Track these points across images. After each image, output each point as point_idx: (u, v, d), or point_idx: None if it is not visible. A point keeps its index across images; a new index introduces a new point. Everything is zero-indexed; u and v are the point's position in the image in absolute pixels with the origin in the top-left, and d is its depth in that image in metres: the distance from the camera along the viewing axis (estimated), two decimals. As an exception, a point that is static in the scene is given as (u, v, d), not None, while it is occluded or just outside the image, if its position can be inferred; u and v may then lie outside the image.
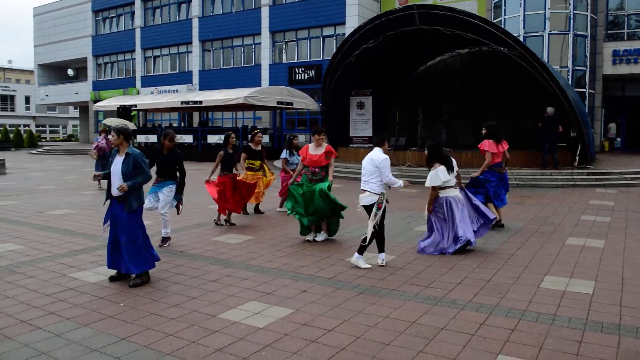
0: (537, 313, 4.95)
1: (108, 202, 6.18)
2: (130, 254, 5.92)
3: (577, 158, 16.69)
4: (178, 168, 7.88)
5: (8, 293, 5.72)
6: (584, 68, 25.06)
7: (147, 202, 7.58)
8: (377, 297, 5.46)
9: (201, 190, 14.90)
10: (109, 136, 15.13)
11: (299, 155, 8.80)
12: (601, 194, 13.37)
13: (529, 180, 15.34)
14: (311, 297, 5.48)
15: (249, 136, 11.51)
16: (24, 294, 5.70)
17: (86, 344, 4.37)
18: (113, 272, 6.22)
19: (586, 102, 24.55)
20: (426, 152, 7.51)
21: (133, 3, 41.38)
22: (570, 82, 23.64)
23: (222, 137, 29.27)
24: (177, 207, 8.04)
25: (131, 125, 16.99)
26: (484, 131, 9.27)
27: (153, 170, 7.38)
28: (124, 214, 5.95)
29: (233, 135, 9.92)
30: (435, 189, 7.24)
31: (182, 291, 5.73)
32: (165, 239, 7.90)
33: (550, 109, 16.41)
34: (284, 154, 10.81)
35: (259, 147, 10.80)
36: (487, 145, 9.02)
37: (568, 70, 24.52)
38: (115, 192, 5.99)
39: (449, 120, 22.70)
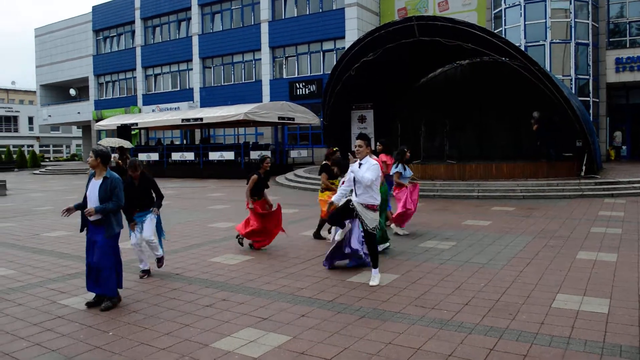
0: (550, 336, 4.65)
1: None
2: (105, 278, 5.81)
3: (584, 168, 16.38)
4: (155, 193, 7.30)
5: (-6, 323, 5.46)
6: (587, 77, 24.84)
7: (133, 238, 7.10)
8: (379, 321, 5.16)
9: (201, 208, 14.68)
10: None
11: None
12: (610, 205, 13.05)
13: (534, 191, 15.02)
14: (310, 322, 5.19)
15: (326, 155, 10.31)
16: (10, 323, 5.44)
17: (69, 380, 4.10)
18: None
19: (590, 111, 24.31)
20: (336, 169, 8.53)
21: (133, 22, 41.53)
22: (573, 91, 23.43)
23: (224, 154, 28.72)
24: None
25: (127, 144, 16.78)
26: (379, 147, 11.02)
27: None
28: (103, 239, 5.81)
29: (269, 159, 9.11)
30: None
31: (175, 318, 5.46)
32: (161, 259, 7.40)
33: (535, 113, 17.08)
34: (398, 167, 9.95)
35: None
36: (384, 157, 10.46)
37: (571, 79, 24.31)
38: (91, 217, 5.86)
39: (452, 132, 22.43)
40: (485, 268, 7.12)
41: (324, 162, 9.74)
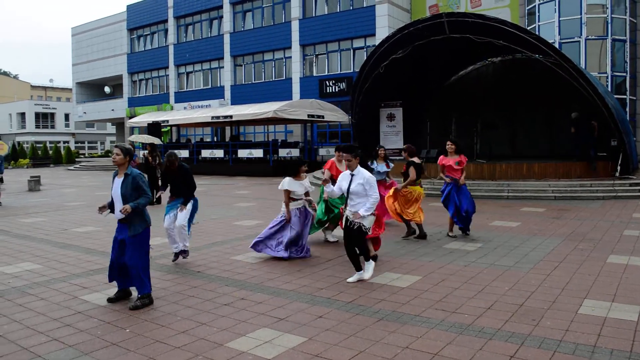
0: (575, 344, 4.47)
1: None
2: (134, 276, 5.78)
3: (619, 168, 15.89)
4: (188, 183, 7.76)
5: (16, 317, 5.53)
6: (624, 74, 24.09)
7: (166, 221, 7.65)
8: (398, 324, 5.05)
9: (227, 206, 14.69)
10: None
11: None
12: (646, 207, 12.62)
13: (567, 192, 14.63)
14: (327, 324, 5.11)
15: None
16: (31, 317, 5.50)
17: (82, 377, 4.11)
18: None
19: (627, 109, 23.57)
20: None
21: (166, 21, 42.03)
22: (609, 89, 22.75)
23: (253, 151, 29.02)
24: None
25: (157, 141, 17.04)
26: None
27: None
28: (129, 238, 5.75)
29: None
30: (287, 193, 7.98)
31: (192, 316, 5.44)
32: (185, 251, 7.77)
33: (574, 114, 16.29)
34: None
35: None
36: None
37: (607, 77, 23.61)
38: (118, 215, 5.81)
39: (483, 131, 22.05)
40: (510, 271, 6.93)
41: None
